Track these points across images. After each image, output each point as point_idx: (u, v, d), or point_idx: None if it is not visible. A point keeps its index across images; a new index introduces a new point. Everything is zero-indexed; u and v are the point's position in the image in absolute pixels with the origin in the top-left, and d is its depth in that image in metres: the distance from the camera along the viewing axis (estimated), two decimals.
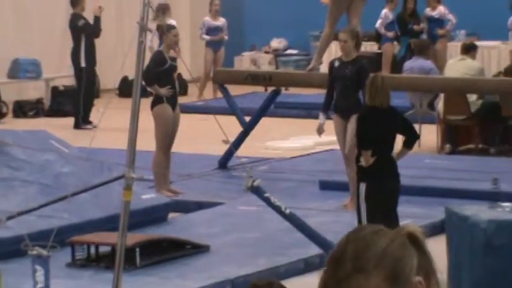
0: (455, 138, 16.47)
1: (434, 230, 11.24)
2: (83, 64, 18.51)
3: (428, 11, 21.12)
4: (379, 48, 22.13)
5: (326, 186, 13.29)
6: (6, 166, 10.88)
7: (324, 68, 15.39)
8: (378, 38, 21.91)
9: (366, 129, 10.49)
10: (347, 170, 12.16)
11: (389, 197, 10.48)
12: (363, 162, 10.45)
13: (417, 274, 2.48)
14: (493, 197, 11.57)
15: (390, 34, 21.56)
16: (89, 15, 18.19)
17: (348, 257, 2.46)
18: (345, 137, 12.14)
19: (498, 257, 8.92)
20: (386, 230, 2.62)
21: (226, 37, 21.57)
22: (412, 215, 11.89)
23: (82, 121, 18.47)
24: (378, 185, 10.35)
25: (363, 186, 10.26)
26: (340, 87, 11.75)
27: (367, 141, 10.34)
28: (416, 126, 15.86)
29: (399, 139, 10.79)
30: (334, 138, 15.48)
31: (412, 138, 10.78)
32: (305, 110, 18.84)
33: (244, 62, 24.25)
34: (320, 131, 12.41)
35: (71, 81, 19.56)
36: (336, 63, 12.16)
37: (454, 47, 20.19)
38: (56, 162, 12.28)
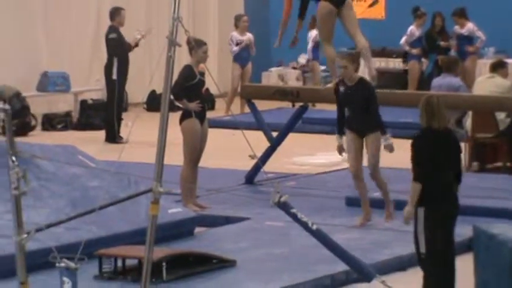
0: (483, 156, 16.36)
1: (462, 248, 11.04)
2: (114, 77, 18.53)
3: (457, 29, 21.29)
4: (405, 66, 22.04)
5: (352, 202, 13.19)
6: (35, 178, 10.77)
7: None
8: (404, 55, 21.84)
9: (422, 151, 10.45)
10: (357, 187, 12.14)
11: (448, 223, 10.21)
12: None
13: None
14: None
15: (415, 51, 21.52)
16: (124, 31, 18.30)
17: None
18: (358, 154, 12.12)
19: None
20: None
21: (253, 52, 21.54)
22: None
23: (113, 135, 18.55)
24: (438, 210, 10.06)
25: (421, 211, 10.03)
26: (351, 112, 11.71)
27: (424, 163, 10.15)
28: None
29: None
30: None
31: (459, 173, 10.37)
32: (332, 126, 18.71)
33: (271, 77, 24.26)
34: (340, 151, 12.42)
35: (99, 95, 19.66)
36: (341, 89, 12.06)
37: (483, 65, 20.14)
38: (83, 176, 12.25)
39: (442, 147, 10.16)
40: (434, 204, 9.97)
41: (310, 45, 22.56)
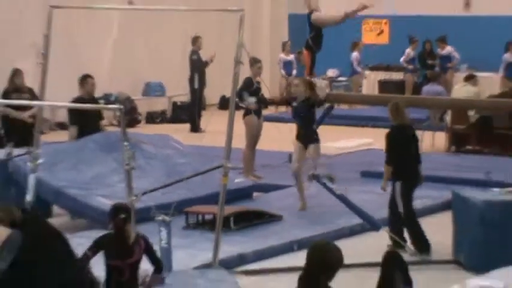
0: (458, 142, 16.27)
1: (444, 207, 11.36)
2: (196, 86, 18.63)
3: (439, 51, 21.21)
4: (403, 77, 22.04)
5: (366, 175, 13.22)
6: (142, 157, 11.12)
7: None
8: (403, 69, 21.88)
9: (393, 142, 10.18)
10: (296, 183, 11.59)
11: (413, 191, 10.27)
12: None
13: None
14: (486, 184, 11.47)
15: (410, 67, 21.50)
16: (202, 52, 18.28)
17: None
18: (301, 159, 11.53)
19: (489, 226, 9.10)
20: None
21: (294, 71, 21.21)
22: (428, 196, 11.76)
23: (195, 127, 18.66)
24: (410, 182, 10.09)
25: (398, 184, 10.03)
26: (299, 123, 11.14)
27: (393, 152, 10.03)
28: (430, 133, 16.10)
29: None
30: (371, 140, 15.41)
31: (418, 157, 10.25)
32: (350, 120, 18.97)
33: None
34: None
35: (185, 98, 19.79)
36: (294, 104, 11.59)
37: (459, 77, 19.82)
38: (175, 155, 12.52)
39: (407, 138, 10.10)
40: (407, 178, 9.98)
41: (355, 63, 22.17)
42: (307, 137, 11.23)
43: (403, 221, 10.19)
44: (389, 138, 10.14)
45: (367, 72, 22.64)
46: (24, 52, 16.57)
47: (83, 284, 3.78)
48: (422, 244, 10.04)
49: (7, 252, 3.42)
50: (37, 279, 3.59)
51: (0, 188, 10.89)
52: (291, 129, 11.98)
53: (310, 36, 13.34)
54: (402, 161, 10.19)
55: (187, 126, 18.63)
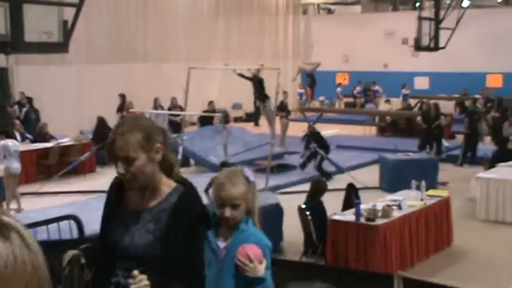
0: (382, 131, 16.61)
1: (374, 162, 11.56)
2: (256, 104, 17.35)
3: (372, 87, 20.83)
4: (355, 101, 20.91)
5: (339, 147, 13.13)
6: (231, 137, 10.94)
7: None
8: (354, 97, 21.07)
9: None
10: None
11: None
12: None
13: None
14: (395, 151, 11.49)
15: (359, 95, 20.83)
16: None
17: (125, 123, 1.99)
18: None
19: (395, 170, 9.74)
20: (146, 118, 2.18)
21: (304, 97, 20.26)
22: (367, 157, 12.32)
23: (256, 123, 17.98)
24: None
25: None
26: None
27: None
28: (368, 127, 16.73)
29: None
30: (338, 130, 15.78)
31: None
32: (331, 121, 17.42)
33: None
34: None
35: (251, 109, 18.72)
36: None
37: (382, 101, 19.83)
38: (247, 137, 12.56)
39: None
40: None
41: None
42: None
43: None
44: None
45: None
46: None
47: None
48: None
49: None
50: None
51: None
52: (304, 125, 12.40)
53: (309, 82, 15.58)
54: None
55: (252, 123, 18.32)
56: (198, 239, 2.04)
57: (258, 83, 12.06)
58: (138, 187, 2.03)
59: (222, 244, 2.31)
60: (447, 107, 16.79)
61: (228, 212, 2.29)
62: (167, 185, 2.06)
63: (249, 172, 2.33)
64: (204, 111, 13.90)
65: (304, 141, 11.15)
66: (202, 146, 11.40)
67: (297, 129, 13.35)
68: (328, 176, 10.27)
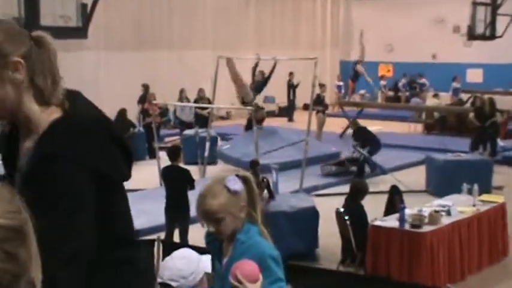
0: (429, 129, 16.47)
1: (420, 163, 11.57)
2: (291, 97, 18.98)
3: (418, 80, 20.75)
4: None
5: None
6: (262, 136, 11.00)
7: None
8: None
9: None
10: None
11: None
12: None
13: None
14: (444, 151, 11.51)
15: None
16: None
17: None
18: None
19: (445, 172, 9.70)
20: None
21: (343, 90, 20.49)
22: (412, 157, 12.38)
23: (290, 119, 18.35)
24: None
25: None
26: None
27: None
28: (413, 124, 16.69)
29: None
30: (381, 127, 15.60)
31: None
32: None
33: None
34: None
35: (285, 104, 19.42)
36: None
37: (429, 95, 19.74)
38: (279, 134, 12.45)
39: None
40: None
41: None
42: None
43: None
44: None
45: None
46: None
47: None
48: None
49: None
50: None
51: (193, 148, 11.41)
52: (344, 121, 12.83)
53: (352, 75, 15.82)
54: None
55: (285, 119, 18.57)
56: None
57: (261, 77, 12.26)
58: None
59: (224, 259, 2.31)
60: (503, 102, 16.05)
61: (211, 228, 2.27)
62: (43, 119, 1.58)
63: (232, 181, 2.21)
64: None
65: (342, 138, 11.42)
66: (246, 151, 10.94)
67: (335, 125, 13.61)
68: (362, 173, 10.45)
